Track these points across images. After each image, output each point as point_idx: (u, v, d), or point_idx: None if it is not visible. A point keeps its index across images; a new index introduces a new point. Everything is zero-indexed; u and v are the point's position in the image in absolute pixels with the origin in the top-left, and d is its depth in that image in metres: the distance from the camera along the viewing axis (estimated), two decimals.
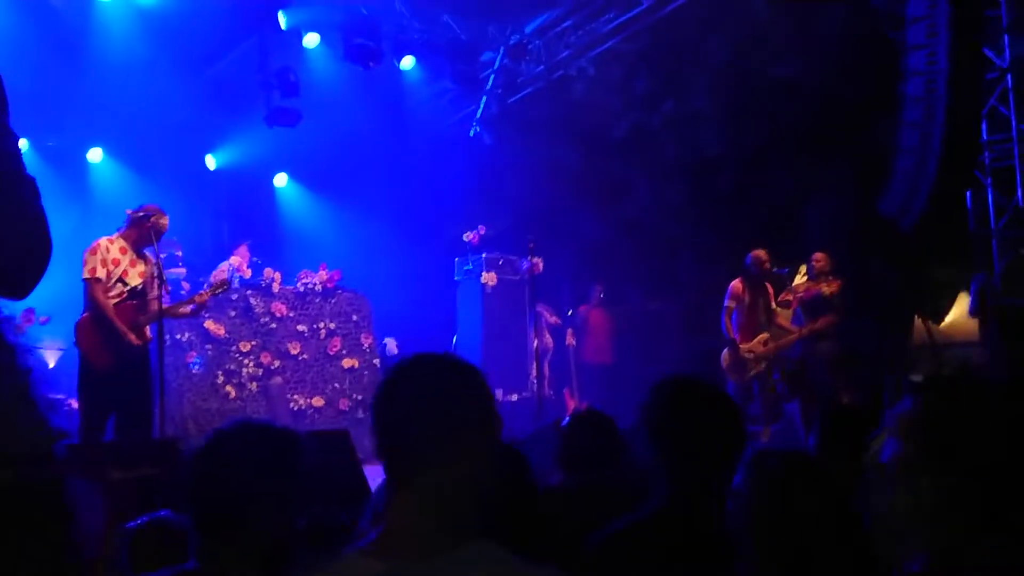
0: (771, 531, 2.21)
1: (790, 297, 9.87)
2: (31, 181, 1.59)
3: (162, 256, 7.77)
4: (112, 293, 7.20)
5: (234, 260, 10.41)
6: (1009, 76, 9.79)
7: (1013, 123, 9.83)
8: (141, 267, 7.35)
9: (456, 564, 1.76)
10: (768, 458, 2.32)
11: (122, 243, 7.31)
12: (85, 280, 7.16)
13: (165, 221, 7.35)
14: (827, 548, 2.18)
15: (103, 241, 7.27)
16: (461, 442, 1.82)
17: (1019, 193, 10.06)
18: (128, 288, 7.26)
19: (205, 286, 8.49)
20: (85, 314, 7.19)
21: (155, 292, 7.31)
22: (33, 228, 1.46)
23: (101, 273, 7.14)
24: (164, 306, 7.28)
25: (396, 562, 1.76)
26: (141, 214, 7.29)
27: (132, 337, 7.12)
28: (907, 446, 1.89)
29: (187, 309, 7.77)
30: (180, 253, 10.61)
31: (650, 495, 2.70)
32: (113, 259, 7.23)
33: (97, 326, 7.12)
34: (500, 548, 1.82)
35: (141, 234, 7.30)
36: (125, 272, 7.26)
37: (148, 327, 7.34)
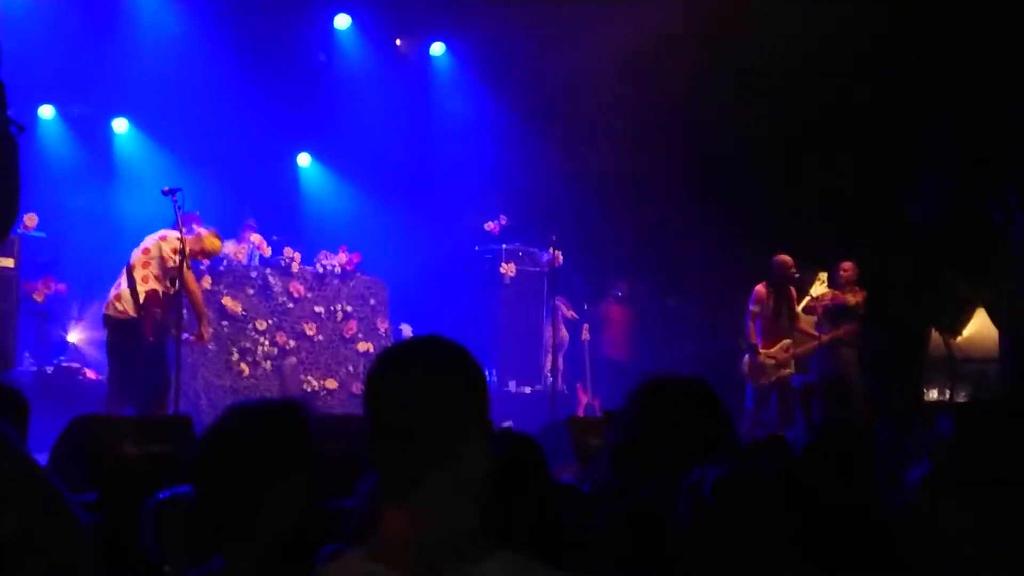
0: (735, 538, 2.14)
1: (815, 304, 9.85)
2: (11, 138, 1.49)
3: (185, 232, 7.89)
4: (165, 284, 7.80)
5: (254, 238, 10.40)
6: None
7: None
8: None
9: None
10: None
11: (178, 245, 7.73)
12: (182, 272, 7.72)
13: (216, 244, 8.28)
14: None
15: (175, 234, 7.77)
16: (462, 439, 1.68)
17: None
18: (175, 289, 7.81)
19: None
20: (151, 290, 7.68)
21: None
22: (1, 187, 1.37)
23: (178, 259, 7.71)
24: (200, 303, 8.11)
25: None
26: (204, 237, 8.17)
27: (206, 335, 8.19)
28: (939, 468, 1.87)
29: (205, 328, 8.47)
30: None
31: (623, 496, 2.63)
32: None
33: (162, 306, 7.74)
34: (523, 558, 1.67)
35: (195, 250, 8.11)
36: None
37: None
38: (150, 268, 7.71)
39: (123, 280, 7.74)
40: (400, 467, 1.67)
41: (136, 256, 7.75)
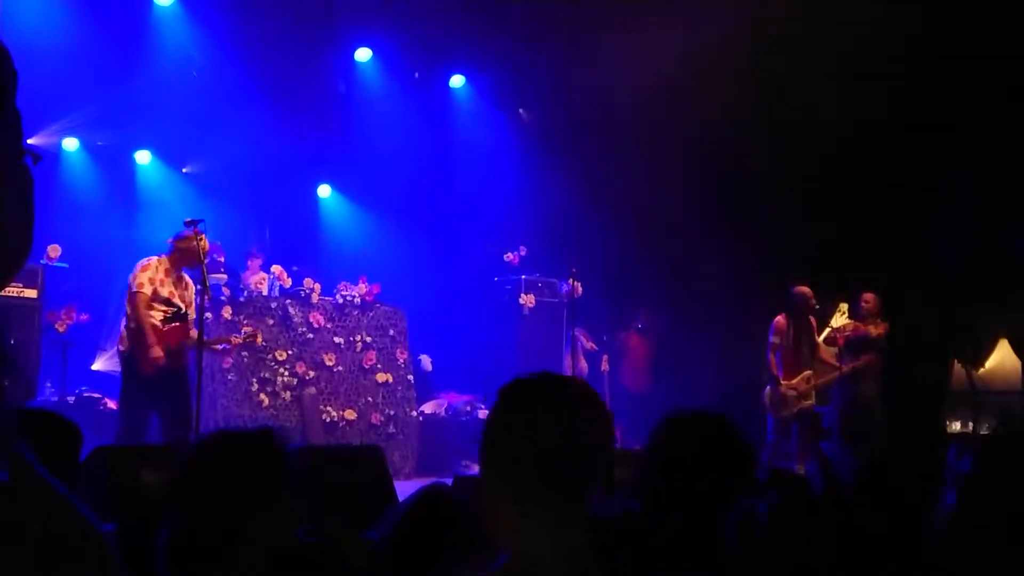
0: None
1: (836, 335, 9.81)
2: (26, 168, 1.48)
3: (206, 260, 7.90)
4: (157, 310, 7.60)
5: (275, 269, 10.45)
6: None
7: None
8: (184, 291, 7.81)
9: None
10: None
11: (167, 265, 7.73)
12: (134, 292, 7.54)
13: (205, 243, 7.67)
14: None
15: (155, 260, 7.71)
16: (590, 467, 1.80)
17: None
18: (173, 310, 7.67)
19: (241, 330, 9.26)
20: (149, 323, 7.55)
21: (192, 316, 7.75)
22: (8, 220, 1.37)
23: (148, 289, 7.56)
24: (204, 338, 7.55)
25: None
26: (182, 239, 7.65)
27: (157, 353, 7.42)
28: (967, 502, 1.87)
29: (219, 347, 8.40)
30: (222, 259, 10.66)
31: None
32: (160, 279, 7.65)
33: (167, 333, 7.57)
34: None
35: (183, 257, 7.72)
36: (171, 293, 7.70)
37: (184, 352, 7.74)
38: (147, 293, 7.67)
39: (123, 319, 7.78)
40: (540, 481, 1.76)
41: (127, 294, 7.77)
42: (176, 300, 7.69)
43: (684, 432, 2.67)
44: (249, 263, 11.05)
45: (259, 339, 8.77)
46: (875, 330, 9.71)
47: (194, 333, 7.56)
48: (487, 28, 12.32)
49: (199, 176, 12.57)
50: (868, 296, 9.84)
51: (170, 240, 7.80)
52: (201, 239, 7.54)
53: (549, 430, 1.78)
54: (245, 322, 9.77)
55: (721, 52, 10.96)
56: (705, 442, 2.62)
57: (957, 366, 11.41)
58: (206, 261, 7.90)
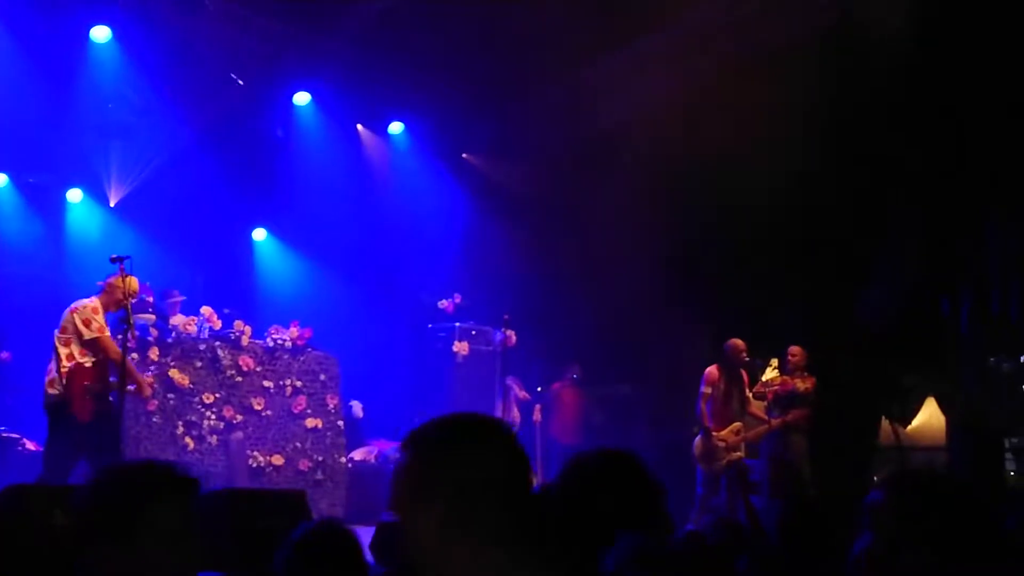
0: None
1: (765, 390, 9.89)
2: None
3: (133, 301, 7.82)
4: (87, 356, 7.61)
5: (204, 310, 10.30)
6: None
7: None
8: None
9: None
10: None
11: (97, 306, 7.73)
12: (95, 338, 7.59)
13: (133, 283, 7.69)
14: None
15: (95, 301, 7.75)
16: None
17: (993, 301, 10.15)
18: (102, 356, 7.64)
19: (168, 372, 9.43)
20: (75, 364, 7.53)
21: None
22: None
23: (108, 331, 7.66)
24: (128, 364, 7.55)
25: None
26: (111, 280, 7.70)
27: (146, 388, 8.00)
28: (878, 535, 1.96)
29: (142, 382, 8.11)
30: (151, 299, 10.48)
31: None
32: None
33: (89, 378, 7.50)
34: None
35: (111, 298, 7.72)
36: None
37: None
38: (71, 345, 7.59)
39: (52, 363, 7.64)
40: None
41: (56, 335, 7.66)
42: None
43: (587, 470, 2.65)
44: (169, 302, 10.90)
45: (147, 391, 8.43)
46: (802, 384, 9.79)
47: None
48: (426, 75, 12.37)
49: (132, 215, 12.40)
50: (794, 350, 9.94)
51: (100, 282, 7.79)
52: (128, 279, 7.49)
53: (504, 465, 1.76)
54: (172, 364, 9.62)
55: (657, 108, 11.12)
56: (607, 479, 2.60)
57: (885, 423, 11.57)
58: (133, 301, 7.82)
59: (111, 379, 7.58)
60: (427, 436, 1.82)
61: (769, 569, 3.25)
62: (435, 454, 1.79)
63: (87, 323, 7.58)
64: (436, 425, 1.84)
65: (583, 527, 2.52)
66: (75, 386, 7.46)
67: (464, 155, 13.84)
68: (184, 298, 10.99)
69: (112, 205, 12.33)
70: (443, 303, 12.50)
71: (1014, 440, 11.02)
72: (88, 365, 7.57)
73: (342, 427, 10.79)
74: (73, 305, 7.73)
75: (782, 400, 9.80)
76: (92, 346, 7.59)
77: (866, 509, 2.03)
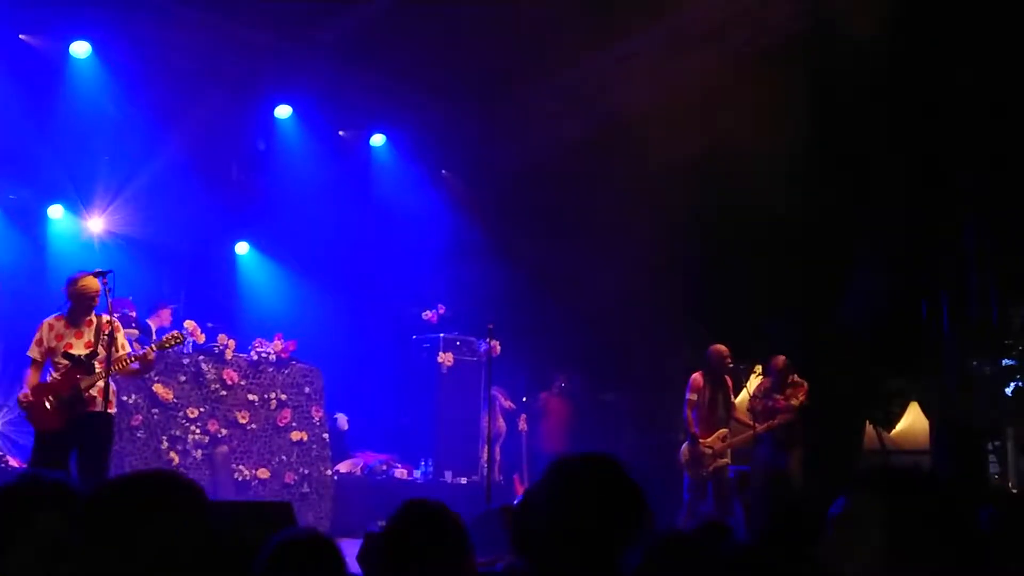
0: None
1: (754, 401, 9.90)
2: None
3: (115, 315, 7.75)
4: (58, 367, 7.44)
5: (188, 324, 10.27)
6: None
7: None
8: (87, 336, 7.52)
9: None
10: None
11: (64, 318, 7.54)
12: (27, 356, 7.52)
13: (90, 282, 7.46)
14: None
15: (48, 321, 7.57)
16: None
17: (972, 305, 10.21)
18: (72, 360, 7.43)
19: (152, 387, 9.26)
20: (41, 378, 7.48)
21: (102, 355, 7.41)
22: None
23: (35, 353, 7.47)
24: (110, 364, 7.32)
25: None
26: (70, 285, 7.51)
27: (50, 418, 7.31)
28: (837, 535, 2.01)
29: (134, 366, 7.76)
30: (134, 314, 10.45)
31: None
32: (56, 335, 7.48)
33: (41, 395, 7.35)
34: None
35: (77, 305, 7.50)
36: (69, 345, 7.47)
37: (94, 390, 7.41)
38: (35, 356, 7.49)
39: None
40: None
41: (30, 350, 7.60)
42: (75, 350, 7.43)
43: (567, 475, 2.65)
44: (158, 313, 10.87)
45: (179, 340, 8.20)
46: (796, 401, 9.78)
47: (98, 368, 7.35)
48: (407, 87, 12.39)
49: (113, 230, 12.34)
50: (778, 361, 9.96)
51: (63, 289, 7.63)
52: (87, 278, 7.42)
53: None
54: (156, 379, 9.59)
55: (637, 115, 11.15)
56: (588, 483, 2.60)
57: (869, 428, 11.64)
58: (116, 315, 7.78)
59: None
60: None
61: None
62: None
63: (51, 328, 7.51)
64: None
65: (566, 531, 2.52)
66: (39, 401, 7.40)
67: (444, 172, 13.85)
68: (175, 305, 10.97)
69: (93, 220, 12.26)
70: (427, 314, 12.50)
71: (996, 442, 11.11)
72: (55, 378, 7.46)
73: (327, 440, 10.77)
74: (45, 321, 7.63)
75: (767, 409, 9.81)
76: (58, 355, 7.48)
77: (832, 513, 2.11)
